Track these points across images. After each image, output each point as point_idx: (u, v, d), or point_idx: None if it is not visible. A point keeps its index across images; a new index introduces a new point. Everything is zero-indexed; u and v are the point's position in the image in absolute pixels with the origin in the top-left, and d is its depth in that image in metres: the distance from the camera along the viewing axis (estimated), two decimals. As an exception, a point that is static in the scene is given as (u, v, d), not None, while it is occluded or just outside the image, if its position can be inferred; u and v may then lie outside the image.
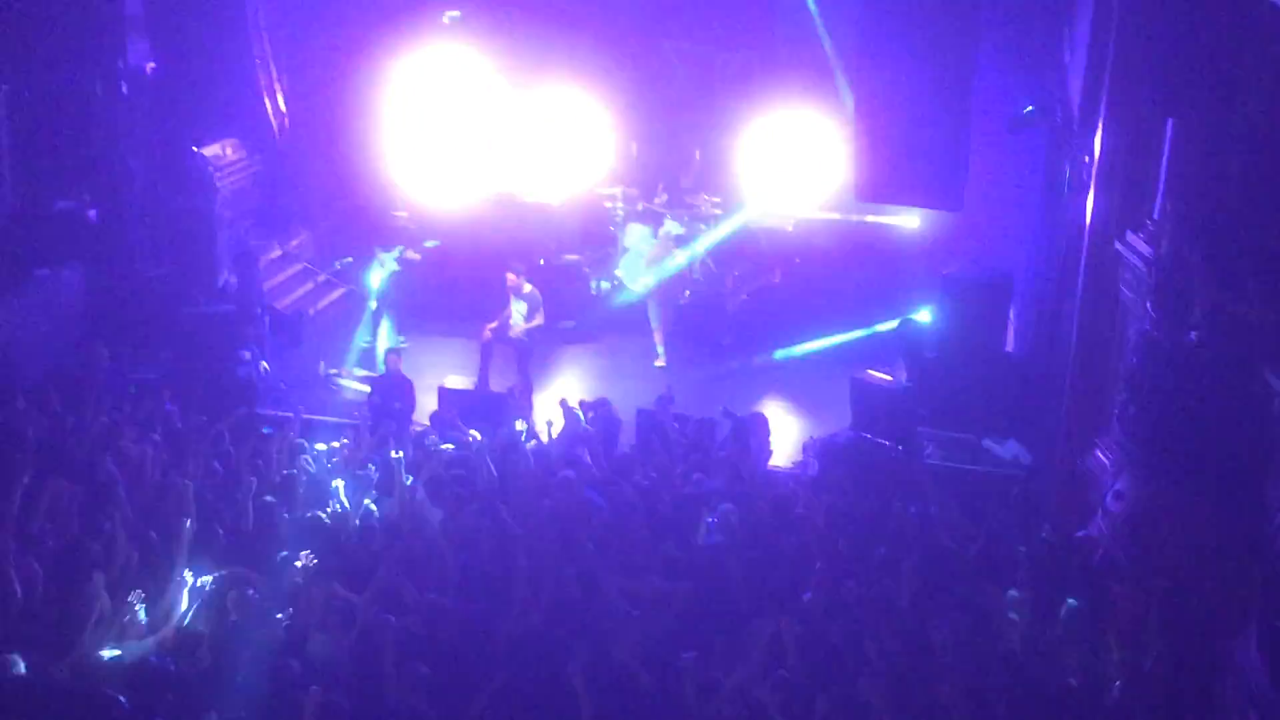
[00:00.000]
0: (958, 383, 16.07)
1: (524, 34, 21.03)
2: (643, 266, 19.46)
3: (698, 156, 21.17)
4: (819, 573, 10.87)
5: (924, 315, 17.10)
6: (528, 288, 17.52)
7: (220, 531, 11.20)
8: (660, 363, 19.16)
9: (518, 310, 17.36)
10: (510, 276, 17.50)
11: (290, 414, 14.73)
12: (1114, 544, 11.66)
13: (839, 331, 19.05)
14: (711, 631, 10.05)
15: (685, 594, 10.33)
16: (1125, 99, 13.55)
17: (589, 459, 13.36)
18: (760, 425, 14.55)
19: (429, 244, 19.95)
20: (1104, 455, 13.27)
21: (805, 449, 15.12)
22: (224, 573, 10.35)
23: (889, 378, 16.15)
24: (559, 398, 14.65)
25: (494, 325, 17.28)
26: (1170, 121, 12.63)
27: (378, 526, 11.52)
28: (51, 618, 9.79)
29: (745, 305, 19.52)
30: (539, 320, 17.45)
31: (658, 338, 19.29)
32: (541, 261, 19.79)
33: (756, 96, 20.67)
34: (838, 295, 19.51)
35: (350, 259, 20.48)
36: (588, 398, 15.02)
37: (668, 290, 19.34)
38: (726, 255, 20.08)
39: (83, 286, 17.64)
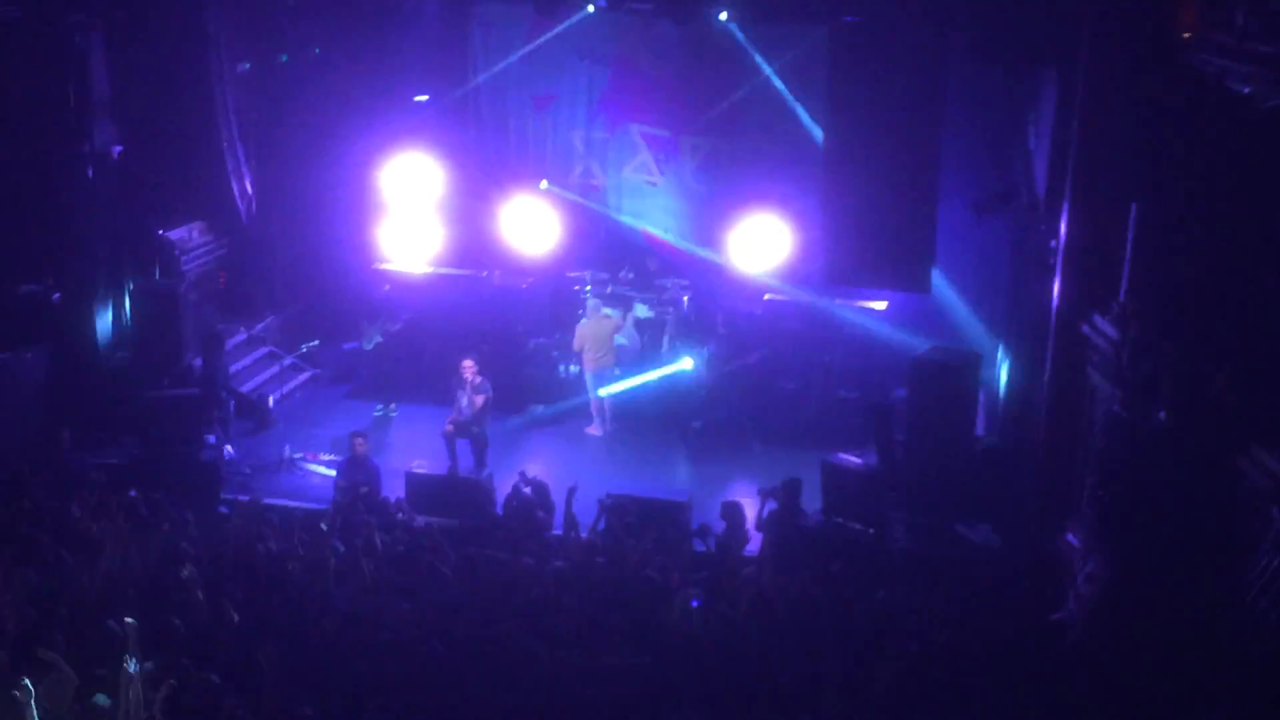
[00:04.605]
0: (928, 466, 16.01)
1: (494, 111, 21.18)
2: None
3: (666, 237, 21.23)
4: (792, 658, 10.77)
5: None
6: (479, 398, 17.38)
7: (176, 622, 10.97)
8: (595, 431, 19.39)
9: (465, 401, 17.23)
10: (467, 364, 17.43)
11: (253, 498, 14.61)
12: (1086, 626, 11.59)
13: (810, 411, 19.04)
14: (677, 709, 9.95)
15: (645, 670, 10.25)
16: (1090, 183, 13.66)
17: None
18: (737, 513, 14.48)
19: (369, 343, 20.03)
20: (1075, 538, 13.23)
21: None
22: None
23: (860, 461, 16.09)
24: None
25: (454, 418, 17.18)
26: (1134, 205, 12.73)
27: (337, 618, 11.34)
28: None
29: (715, 388, 19.44)
30: (486, 402, 17.30)
31: (595, 408, 19.44)
32: None
33: (725, 179, 20.81)
34: (808, 378, 19.49)
35: (316, 342, 20.39)
36: (549, 480, 15.01)
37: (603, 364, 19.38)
38: (697, 336, 20.06)
39: (46, 370, 17.47)
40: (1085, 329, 13.33)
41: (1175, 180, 12.21)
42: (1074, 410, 13.88)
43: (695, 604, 11.52)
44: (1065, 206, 14.06)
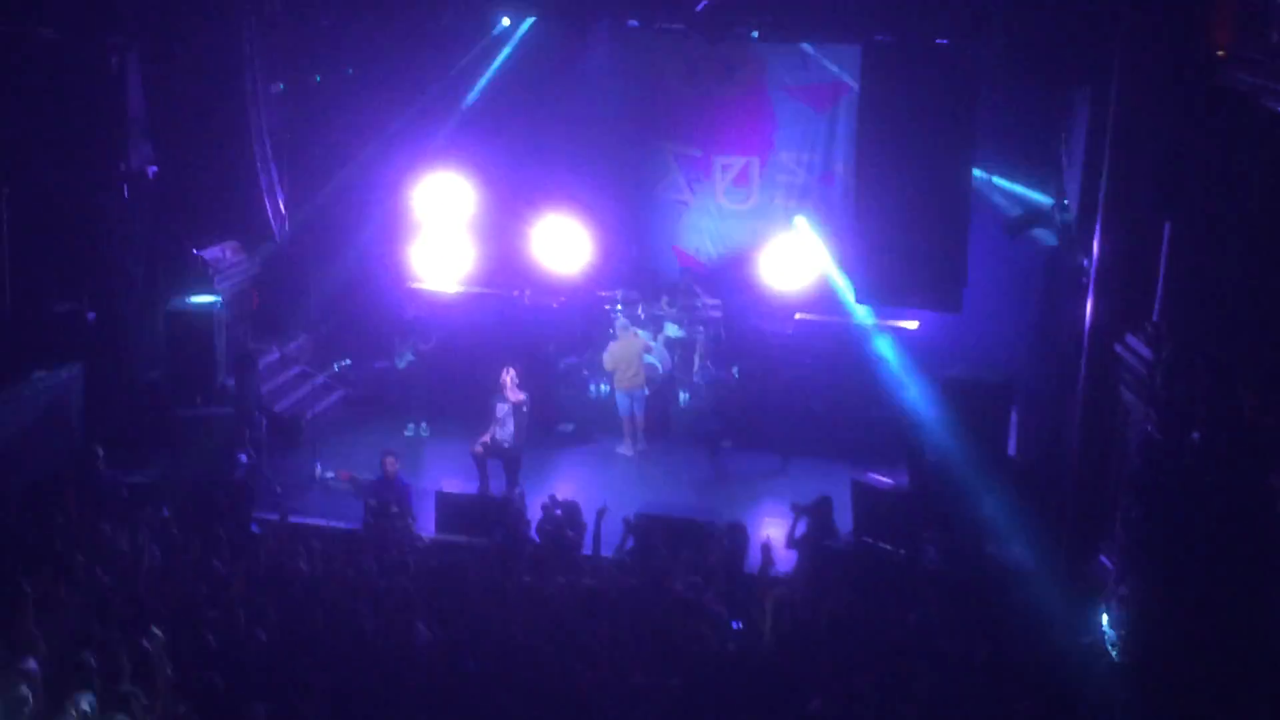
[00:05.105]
0: (960, 487, 15.93)
1: (526, 130, 21.23)
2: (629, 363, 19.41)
3: (697, 256, 21.21)
4: (825, 679, 10.72)
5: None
6: (519, 395, 17.41)
7: (209, 639, 11.01)
8: (626, 451, 19.37)
9: (503, 410, 17.23)
10: (509, 374, 17.44)
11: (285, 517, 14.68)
12: (1120, 649, 11.50)
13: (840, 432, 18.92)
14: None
15: (674, 692, 10.23)
16: (1123, 202, 13.62)
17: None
18: (740, 535, 14.45)
19: (401, 362, 20.05)
20: (1108, 559, 13.14)
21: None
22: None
23: (890, 481, 16.03)
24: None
25: (485, 439, 17.19)
26: (1168, 224, 12.67)
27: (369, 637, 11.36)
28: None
29: (746, 406, 19.41)
30: (524, 404, 17.31)
31: (626, 427, 19.44)
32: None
33: (754, 199, 20.83)
34: (838, 397, 19.42)
35: (348, 361, 20.46)
36: (578, 500, 15.04)
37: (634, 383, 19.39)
38: (727, 355, 20.06)
39: (80, 388, 17.56)
40: (1118, 348, 13.26)
41: (1209, 198, 12.16)
42: (1107, 430, 13.81)
43: (736, 625, 11.48)
44: (1098, 225, 14.01)
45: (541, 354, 20.26)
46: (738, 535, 14.43)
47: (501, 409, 17.21)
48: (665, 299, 20.65)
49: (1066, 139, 16.15)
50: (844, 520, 15.40)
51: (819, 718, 10.03)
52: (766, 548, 13.62)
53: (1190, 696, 10.40)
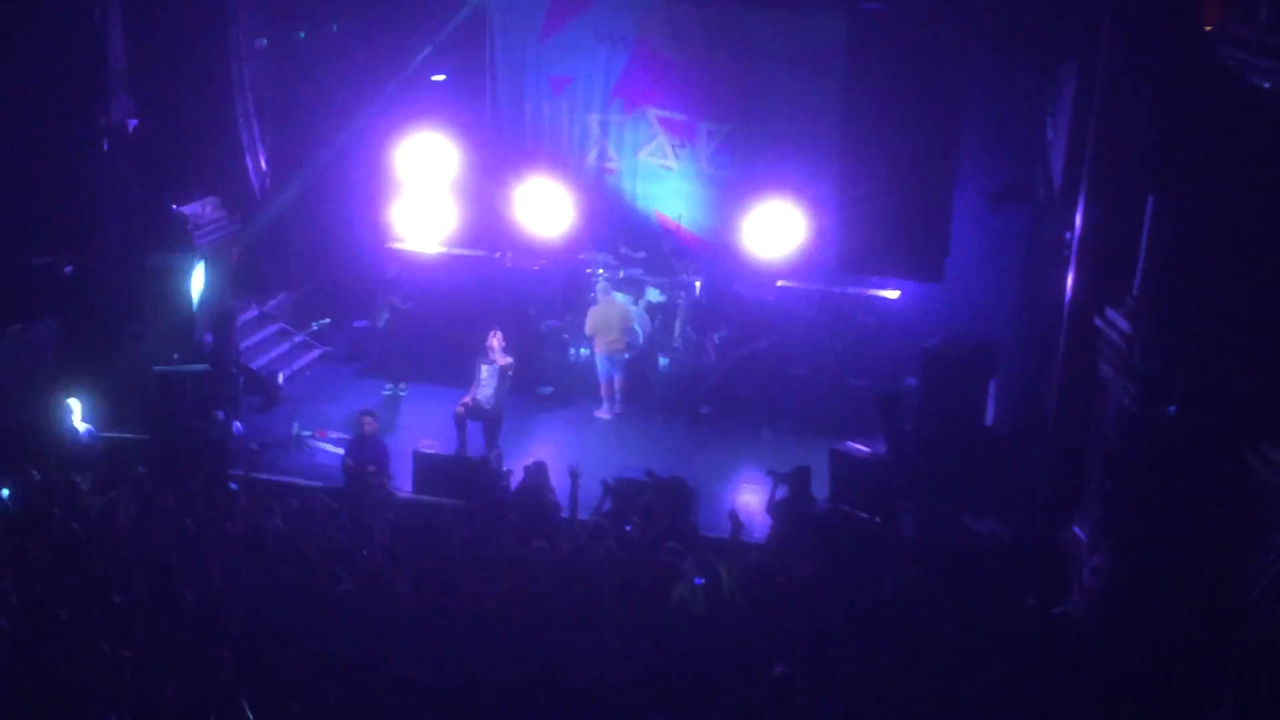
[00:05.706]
0: (937, 456, 15.98)
1: (509, 92, 21.14)
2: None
3: (680, 222, 21.14)
4: (797, 645, 10.76)
5: None
6: (506, 359, 17.40)
7: (186, 595, 11.01)
8: (604, 414, 19.39)
9: (487, 372, 17.23)
10: (495, 338, 17.43)
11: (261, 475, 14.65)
12: (1091, 619, 11.57)
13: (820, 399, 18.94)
14: (680, 694, 9.96)
15: (645, 653, 10.27)
16: (1106, 176, 13.59)
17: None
18: (683, 490, 14.60)
19: (382, 320, 20.01)
20: (1081, 530, 13.20)
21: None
22: None
23: (868, 449, 16.07)
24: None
25: (466, 400, 17.19)
26: (1150, 199, 12.66)
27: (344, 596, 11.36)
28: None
29: (726, 373, 19.42)
30: (510, 367, 17.32)
31: (605, 391, 19.45)
32: None
33: (741, 164, 20.75)
34: (818, 365, 19.45)
35: (328, 320, 20.38)
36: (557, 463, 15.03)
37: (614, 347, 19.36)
38: (708, 321, 20.04)
39: (56, 342, 17.47)
40: (1098, 322, 13.27)
41: (1192, 174, 12.14)
42: (1084, 403, 13.84)
43: (699, 581, 11.51)
44: (1081, 198, 14.00)
45: (522, 317, 20.19)
46: (680, 490, 14.51)
47: (486, 370, 17.20)
48: (641, 254, 20.57)
49: (1052, 111, 16.13)
50: (821, 488, 15.44)
51: (784, 682, 10.07)
52: (734, 514, 13.66)
53: (1161, 667, 10.47)
